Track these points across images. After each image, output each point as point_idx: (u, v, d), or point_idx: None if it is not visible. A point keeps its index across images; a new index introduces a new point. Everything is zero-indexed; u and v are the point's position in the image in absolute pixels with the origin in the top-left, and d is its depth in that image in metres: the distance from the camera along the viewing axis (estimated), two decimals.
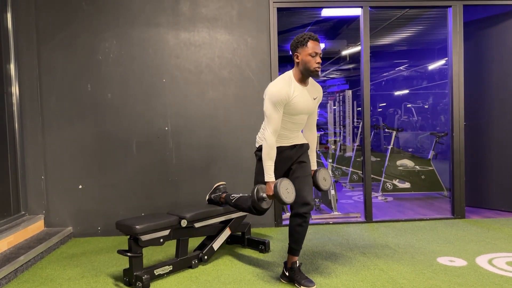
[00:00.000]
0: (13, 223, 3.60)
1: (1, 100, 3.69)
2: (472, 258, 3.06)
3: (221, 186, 3.31)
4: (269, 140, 2.50)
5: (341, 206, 5.16)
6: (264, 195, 2.60)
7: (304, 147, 2.78)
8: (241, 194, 3.03)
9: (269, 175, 2.53)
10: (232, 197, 3.05)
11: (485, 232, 3.79)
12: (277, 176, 2.70)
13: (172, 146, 4.06)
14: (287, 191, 2.49)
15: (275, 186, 2.46)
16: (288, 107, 2.52)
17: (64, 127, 3.97)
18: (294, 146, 2.72)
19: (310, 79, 2.66)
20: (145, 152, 4.04)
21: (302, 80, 2.56)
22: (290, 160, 2.73)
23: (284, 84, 2.49)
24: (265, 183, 2.61)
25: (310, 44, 2.48)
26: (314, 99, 2.65)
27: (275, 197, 2.48)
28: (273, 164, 2.54)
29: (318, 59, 2.48)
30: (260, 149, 2.70)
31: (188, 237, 3.00)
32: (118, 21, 3.99)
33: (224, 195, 3.20)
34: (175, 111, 4.06)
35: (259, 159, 2.70)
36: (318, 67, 2.49)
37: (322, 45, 8.48)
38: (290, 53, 2.60)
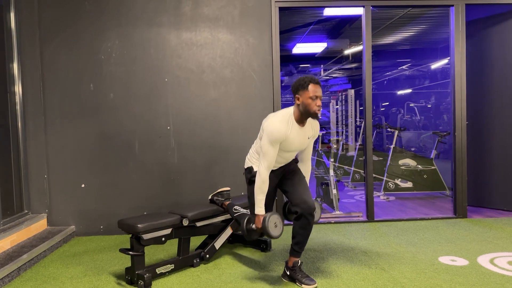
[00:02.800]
0: (16, 221, 3.63)
1: (5, 100, 3.71)
2: (474, 258, 3.06)
3: (224, 192, 3.31)
4: (262, 174, 2.56)
5: (343, 205, 5.16)
6: (254, 226, 2.65)
7: (291, 162, 2.83)
8: (243, 211, 3.05)
9: (259, 208, 2.59)
10: (235, 209, 3.05)
11: (487, 232, 3.78)
12: (270, 188, 2.75)
13: (174, 146, 4.07)
14: (275, 225, 2.55)
15: (264, 220, 2.52)
16: (282, 144, 2.59)
17: (66, 127, 3.99)
18: (280, 167, 2.80)
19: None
20: (147, 151, 4.05)
21: (301, 120, 2.60)
22: (280, 173, 2.80)
23: (283, 123, 2.54)
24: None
25: (311, 87, 2.52)
26: (309, 138, 2.71)
27: (263, 231, 2.54)
28: (264, 198, 2.60)
29: (319, 102, 2.53)
30: (248, 171, 2.77)
31: (189, 236, 3.02)
32: (120, 21, 4.00)
33: (227, 202, 3.22)
34: (177, 110, 4.07)
35: (249, 182, 2.75)
36: (319, 110, 2.54)
37: (325, 45, 8.48)
38: (292, 94, 2.64)
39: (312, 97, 2.50)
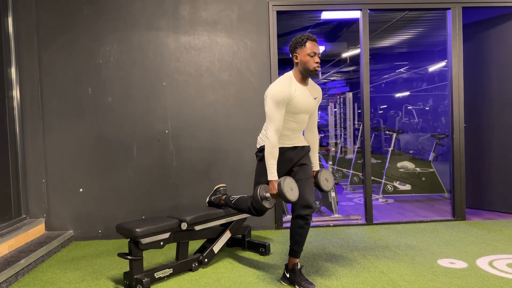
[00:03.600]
0: (14, 226, 3.61)
1: (2, 104, 3.70)
2: (473, 260, 3.06)
3: (221, 188, 3.32)
4: (271, 139, 2.51)
5: (341, 208, 5.16)
6: (267, 194, 2.60)
7: (305, 149, 2.79)
8: (240, 195, 3.04)
9: (272, 173, 2.53)
10: (232, 198, 3.06)
11: (486, 234, 3.78)
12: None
13: (173, 149, 4.07)
14: (291, 188, 2.49)
15: (279, 184, 2.46)
16: (290, 106, 2.55)
17: (64, 131, 3.99)
18: (295, 147, 2.73)
19: (310, 80, 2.70)
20: (145, 155, 4.05)
21: (302, 80, 2.60)
22: (291, 161, 2.74)
23: (285, 84, 2.53)
24: (267, 183, 2.62)
25: (308, 44, 2.52)
26: (315, 98, 2.69)
27: (279, 195, 2.47)
28: (276, 163, 2.55)
29: (317, 59, 2.52)
30: (261, 150, 2.71)
31: (188, 240, 3.01)
32: (119, 25, 4.01)
33: (224, 197, 3.20)
34: (176, 114, 4.07)
35: (260, 160, 2.71)
36: (318, 67, 2.52)
37: (322, 48, 8.50)
38: (290, 54, 2.63)
39: (310, 53, 2.49)
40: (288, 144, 2.70)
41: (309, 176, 2.73)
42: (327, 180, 2.84)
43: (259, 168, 2.72)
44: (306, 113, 2.68)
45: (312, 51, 2.50)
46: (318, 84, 2.81)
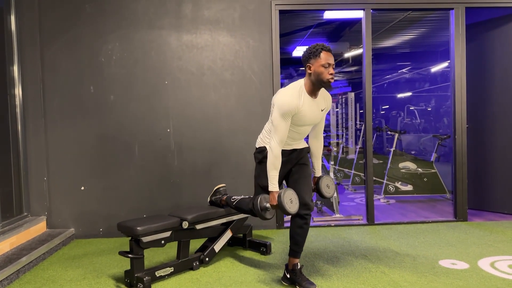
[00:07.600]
0: (15, 224, 3.62)
1: (5, 102, 3.71)
2: (474, 261, 3.05)
3: (221, 189, 3.32)
4: (274, 149, 2.47)
5: (343, 208, 5.15)
6: (268, 205, 2.57)
7: (304, 151, 2.77)
8: (242, 196, 3.04)
9: (273, 184, 2.51)
10: (233, 199, 3.06)
11: (488, 235, 3.77)
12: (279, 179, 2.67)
13: (174, 148, 4.07)
14: (291, 201, 2.46)
15: (279, 196, 2.44)
16: (295, 118, 2.49)
17: (66, 129, 3.99)
18: (295, 150, 2.73)
19: (321, 90, 2.58)
20: (147, 153, 4.04)
21: (313, 91, 2.50)
22: (290, 163, 2.73)
23: (294, 95, 2.44)
24: (266, 187, 2.60)
25: (323, 55, 2.42)
26: (322, 110, 2.61)
27: (279, 207, 2.46)
28: (278, 174, 2.51)
29: (331, 70, 2.42)
30: (259, 150, 2.68)
31: (189, 238, 3.01)
32: (121, 23, 4.01)
33: (225, 197, 3.20)
34: (177, 113, 4.07)
35: (259, 162, 2.68)
36: (332, 78, 2.43)
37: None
38: (302, 64, 2.55)
39: (324, 64, 2.39)
40: (287, 148, 2.68)
41: (307, 175, 2.70)
42: (328, 187, 2.82)
43: (259, 170, 2.69)
44: (310, 125, 2.63)
45: (326, 61, 2.40)
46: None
